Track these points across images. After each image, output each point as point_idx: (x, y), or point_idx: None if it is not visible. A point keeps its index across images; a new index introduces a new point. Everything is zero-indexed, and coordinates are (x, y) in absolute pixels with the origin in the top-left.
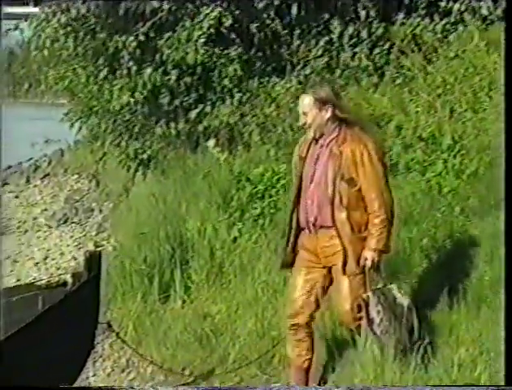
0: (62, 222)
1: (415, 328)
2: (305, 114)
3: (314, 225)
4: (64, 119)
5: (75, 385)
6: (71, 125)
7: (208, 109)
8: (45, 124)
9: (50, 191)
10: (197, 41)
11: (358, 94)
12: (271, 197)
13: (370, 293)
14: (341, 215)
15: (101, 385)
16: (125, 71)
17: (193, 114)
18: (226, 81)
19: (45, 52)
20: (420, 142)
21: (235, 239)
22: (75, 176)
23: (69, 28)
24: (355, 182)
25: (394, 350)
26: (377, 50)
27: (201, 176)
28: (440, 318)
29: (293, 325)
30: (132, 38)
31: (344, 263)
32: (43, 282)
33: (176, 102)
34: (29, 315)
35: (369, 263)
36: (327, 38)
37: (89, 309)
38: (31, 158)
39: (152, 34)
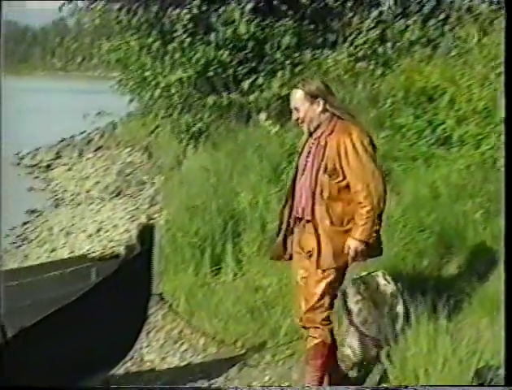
0: (114, 195)
1: (400, 316)
2: (296, 109)
3: (301, 218)
4: (116, 92)
5: (129, 356)
6: (124, 98)
7: (260, 81)
8: (97, 97)
9: (103, 164)
10: (249, 13)
11: (411, 66)
12: None
13: (348, 284)
14: (321, 208)
15: (154, 356)
16: (178, 44)
17: (244, 86)
18: (278, 54)
19: (99, 25)
20: (474, 115)
21: None
22: (128, 149)
23: (122, 1)
24: (337, 173)
25: (373, 340)
26: (431, 22)
27: (253, 149)
28: (492, 290)
29: (304, 326)
30: (185, 11)
31: (318, 257)
32: (96, 254)
33: (228, 75)
34: (83, 287)
35: (352, 252)
36: (379, 10)
37: (142, 280)
38: (83, 131)
39: (205, 7)
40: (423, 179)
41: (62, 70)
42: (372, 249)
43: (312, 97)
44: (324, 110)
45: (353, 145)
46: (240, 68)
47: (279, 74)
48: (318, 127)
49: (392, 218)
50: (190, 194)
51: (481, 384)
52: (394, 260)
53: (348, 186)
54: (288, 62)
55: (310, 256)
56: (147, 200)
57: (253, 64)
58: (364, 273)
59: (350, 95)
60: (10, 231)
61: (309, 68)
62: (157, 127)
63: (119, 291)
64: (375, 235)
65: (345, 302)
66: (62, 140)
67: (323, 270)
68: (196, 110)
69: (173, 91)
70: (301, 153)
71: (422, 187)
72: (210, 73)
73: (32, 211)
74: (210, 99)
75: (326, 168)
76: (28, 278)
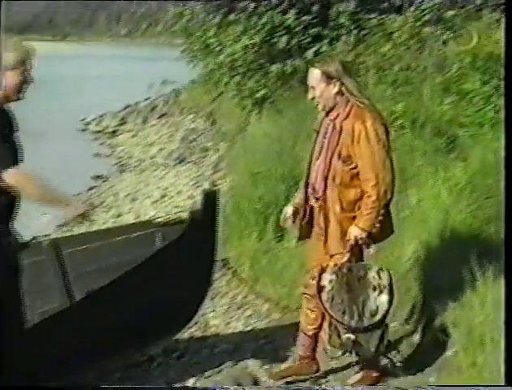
0: (178, 161)
1: (380, 311)
2: (313, 87)
3: (316, 200)
4: (180, 59)
5: (193, 322)
6: (188, 65)
7: (324, 48)
8: (161, 64)
9: (167, 130)
10: None
11: (479, 31)
12: None
13: (331, 263)
14: (333, 193)
15: (218, 321)
16: (243, 11)
17: (309, 52)
18: (343, 19)
19: None
20: None
21: None
22: (191, 116)
23: None
24: (351, 160)
25: (342, 325)
26: None
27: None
28: None
29: (304, 294)
30: None
31: (325, 241)
32: (161, 219)
33: (293, 41)
34: (148, 252)
35: (352, 240)
36: None
37: (206, 246)
38: (148, 98)
39: None
40: (490, 146)
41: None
42: (383, 232)
43: (328, 77)
44: (339, 93)
45: (367, 133)
46: (304, 36)
47: (344, 39)
48: (333, 107)
49: (458, 185)
50: (254, 161)
51: None
52: (460, 226)
53: (357, 174)
54: (353, 27)
55: (320, 238)
56: (211, 166)
57: (318, 30)
58: (357, 262)
59: (416, 60)
60: (77, 196)
61: (374, 33)
62: (220, 93)
63: (184, 256)
64: (378, 225)
65: (320, 277)
66: (126, 107)
67: (331, 256)
68: (260, 77)
69: (237, 58)
70: (318, 132)
71: (489, 153)
72: (275, 40)
73: (98, 177)
74: (274, 67)
75: (340, 154)
76: (95, 243)
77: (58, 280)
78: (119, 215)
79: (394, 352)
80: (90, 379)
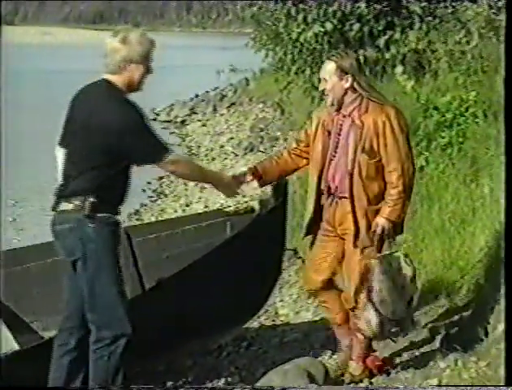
0: (248, 150)
1: (414, 300)
2: (325, 80)
3: (334, 195)
4: (250, 48)
5: (262, 311)
6: (257, 54)
7: (397, 36)
8: (231, 53)
9: (236, 120)
10: None
11: None
12: (459, 125)
13: (376, 261)
14: (359, 187)
15: (287, 311)
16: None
17: (381, 41)
18: (415, 7)
19: None
20: None
21: (421, 168)
22: (260, 105)
23: None
24: (375, 153)
25: (388, 321)
26: None
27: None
28: None
29: (309, 291)
30: None
31: (356, 236)
32: (231, 208)
33: (365, 30)
34: (218, 240)
35: (379, 230)
36: None
37: (276, 235)
38: (217, 88)
39: None
40: None
41: (198, 26)
42: (397, 227)
43: (342, 71)
44: (352, 88)
45: (391, 125)
46: (376, 24)
47: (416, 27)
48: (343, 103)
49: None
50: None
51: None
52: None
53: (382, 164)
54: (425, 15)
55: (344, 234)
56: None
57: (390, 18)
58: (387, 252)
59: (490, 49)
60: (147, 185)
61: (447, 21)
62: (289, 83)
63: (253, 245)
64: (403, 215)
65: (369, 278)
66: (196, 96)
67: (362, 250)
68: None
69: (307, 46)
70: (328, 130)
71: None
72: (346, 28)
73: None
74: None
75: (363, 148)
76: (165, 231)
77: (129, 268)
78: (188, 204)
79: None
80: (160, 366)
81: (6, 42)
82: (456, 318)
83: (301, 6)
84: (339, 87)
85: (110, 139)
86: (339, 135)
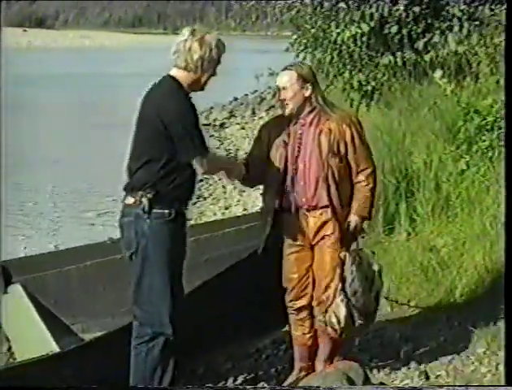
0: None
1: (380, 296)
2: (284, 89)
3: (305, 206)
4: (289, 51)
5: None
6: (296, 56)
7: (436, 38)
8: (269, 56)
9: None
10: None
11: None
12: (500, 128)
13: (346, 253)
14: (335, 192)
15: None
16: (352, 2)
17: (420, 43)
18: (455, 10)
19: None
20: None
21: (462, 171)
22: None
23: None
24: (342, 156)
25: (357, 313)
26: None
27: (427, 108)
28: None
29: (298, 308)
30: None
31: (341, 239)
32: None
33: (404, 32)
34: (257, 244)
35: (352, 227)
36: None
37: None
38: (256, 91)
39: None
40: None
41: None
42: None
43: (303, 80)
44: (311, 97)
45: (356, 129)
46: (415, 26)
47: (456, 30)
48: (301, 112)
49: None
50: None
51: None
52: None
53: (350, 167)
54: (465, 17)
55: (319, 242)
56: None
57: (429, 21)
58: (359, 247)
59: None
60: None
61: (487, 24)
62: (328, 86)
63: None
64: (372, 211)
65: (342, 270)
66: (235, 99)
67: (339, 255)
68: (368, 69)
69: (345, 49)
70: (284, 141)
71: None
72: (385, 31)
73: None
74: (384, 58)
75: (334, 152)
76: (204, 234)
77: None
78: (227, 207)
79: None
80: (200, 369)
81: (45, 46)
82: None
83: (340, 5)
84: (300, 95)
85: (162, 128)
86: (299, 144)
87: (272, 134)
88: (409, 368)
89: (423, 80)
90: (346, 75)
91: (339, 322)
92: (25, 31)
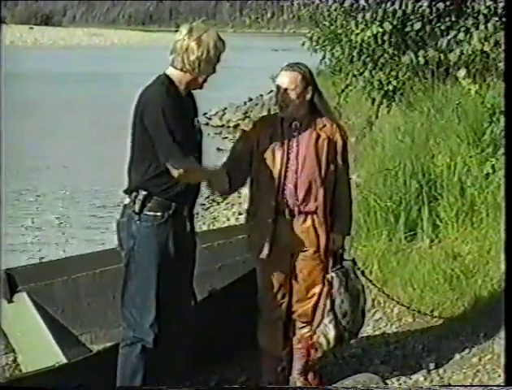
0: None
1: (365, 311)
2: (286, 90)
3: (293, 211)
4: (306, 49)
5: None
6: (314, 55)
7: (461, 36)
8: (286, 55)
9: None
10: None
11: None
12: None
13: (334, 274)
14: (325, 199)
15: None
16: None
17: (443, 41)
18: (481, 6)
19: None
20: None
21: (487, 175)
22: None
23: None
24: (336, 164)
25: (347, 333)
26: None
27: (451, 109)
28: None
29: (273, 319)
30: None
31: (325, 251)
32: None
33: (427, 30)
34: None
35: (336, 247)
36: None
37: None
38: (272, 91)
39: None
40: None
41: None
42: None
43: (307, 83)
44: (311, 100)
45: (347, 138)
46: (438, 24)
47: (481, 27)
48: (297, 114)
49: None
50: (383, 156)
51: None
52: None
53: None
54: (491, 14)
55: (302, 251)
56: None
57: (453, 18)
58: (342, 266)
59: None
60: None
61: None
62: (347, 85)
63: None
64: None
65: (330, 292)
66: (250, 100)
67: (319, 262)
68: (390, 68)
69: (366, 47)
70: (276, 142)
71: None
72: (407, 28)
73: None
74: (406, 57)
75: (332, 159)
76: (218, 241)
77: None
78: (241, 213)
79: None
80: (213, 381)
81: (51, 44)
82: None
83: (361, 2)
84: (301, 98)
85: (144, 128)
86: (292, 147)
87: (262, 134)
88: (431, 381)
89: (446, 80)
90: (366, 74)
91: (328, 343)
92: (31, 28)
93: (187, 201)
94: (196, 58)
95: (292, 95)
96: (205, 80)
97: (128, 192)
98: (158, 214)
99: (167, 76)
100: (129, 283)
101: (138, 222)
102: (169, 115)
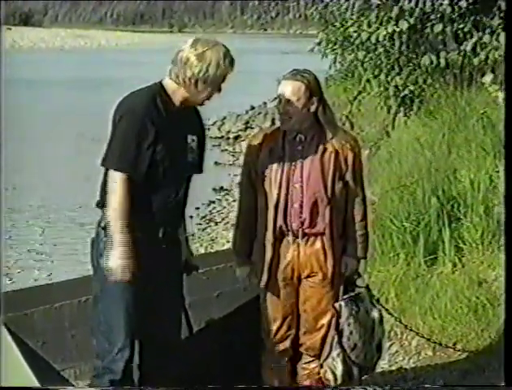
0: None
1: (382, 344)
2: (289, 102)
3: (297, 231)
4: (315, 51)
5: None
6: (323, 58)
7: (486, 38)
8: (292, 59)
9: None
10: None
11: None
12: None
13: (342, 303)
14: (334, 219)
15: None
16: None
17: (468, 44)
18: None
19: None
20: None
21: None
22: None
23: None
24: (345, 181)
25: (357, 368)
26: None
27: (475, 118)
28: None
29: (279, 352)
30: None
31: (333, 273)
32: None
33: (447, 30)
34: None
35: (349, 272)
36: None
37: None
38: (276, 98)
39: None
40: None
41: (254, 27)
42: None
43: (311, 93)
44: (317, 112)
45: (359, 153)
46: (462, 24)
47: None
48: (302, 126)
49: None
50: (400, 171)
51: None
52: None
53: (347, 196)
54: None
55: (309, 277)
56: None
57: (478, 18)
58: (353, 293)
59: None
60: (195, 210)
61: None
62: (360, 92)
63: None
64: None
65: (338, 322)
66: (252, 108)
67: (329, 290)
68: (407, 71)
69: (381, 49)
70: (279, 157)
71: None
72: (426, 28)
73: (219, 189)
74: (426, 59)
75: (340, 175)
76: (216, 265)
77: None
78: None
79: None
80: None
81: (31, 46)
82: None
83: (373, 1)
84: (305, 110)
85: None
86: (296, 163)
87: (262, 151)
88: None
89: (470, 86)
90: (382, 78)
91: (335, 379)
92: (9, 29)
93: (164, 223)
94: (192, 74)
95: (295, 107)
96: (206, 99)
97: (99, 206)
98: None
99: (161, 86)
100: (97, 306)
101: (105, 238)
102: (133, 128)
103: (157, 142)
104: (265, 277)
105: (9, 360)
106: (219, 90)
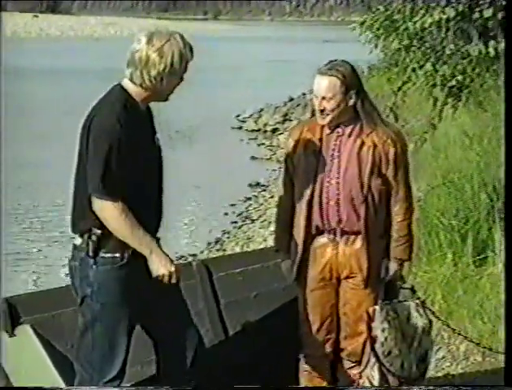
0: None
1: (428, 356)
2: (325, 98)
3: (335, 230)
4: (357, 40)
5: None
6: (365, 46)
7: None
8: (333, 47)
9: None
10: None
11: None
12: None
13: (377, 307)
14: (372, 218)
15: None
16: None
17: None
18: None
19: None
20: None
21: None
22: None
23: None
24: (385, 178)
25: (394, 376)
26: None
27: None
28: None
29: (318, 357)
30: None
31: (368, 275)
32: None
33: (499, 16)
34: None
35: (391, 275)
36: None
37: None
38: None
39: None
40: None
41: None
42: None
43: (347, 88)
44: (355, 105)
45: (401, 149)
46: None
47: None
48: (340, 120)
49: None
50: (447, 165)
51: None
52: None
53: (389, 194)
54: None
55: (348, 278)
56: None
57: None
58: (394, 300)
59: None
60: (231, 207)
61: None
62: (405, 82)
63: None
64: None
65: (370, 327)
66: (290, 100)
67: (370, 292)
68: (455, 61)
69: (428, 37)
70: (315, 151)
71: None
72: (475, 14)
73: (256, 184)
74: (474, 48)
75: (378, 172)
76: (253, 265)
77: (209, 309)
78: None
79: None
80: None
81: (59, 35)
82: None
83: None
84: (343, 105)
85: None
86: (333, 157)
87: (301, 142)
88: None
89: None
90: (428, 67)
91: (372, 386)
92: (36, 17)
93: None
94: (157, 72)
95: (332, 104)
96: (170, 92)
97: (76, 231)
98: (117, 255)
99: (123, 90)
100: (85, 336)
101: (94, 266)
102: (111, 142)
103: (136, 154)
104: (293, 275)
105: (36, 364)
106: (182, 80)
